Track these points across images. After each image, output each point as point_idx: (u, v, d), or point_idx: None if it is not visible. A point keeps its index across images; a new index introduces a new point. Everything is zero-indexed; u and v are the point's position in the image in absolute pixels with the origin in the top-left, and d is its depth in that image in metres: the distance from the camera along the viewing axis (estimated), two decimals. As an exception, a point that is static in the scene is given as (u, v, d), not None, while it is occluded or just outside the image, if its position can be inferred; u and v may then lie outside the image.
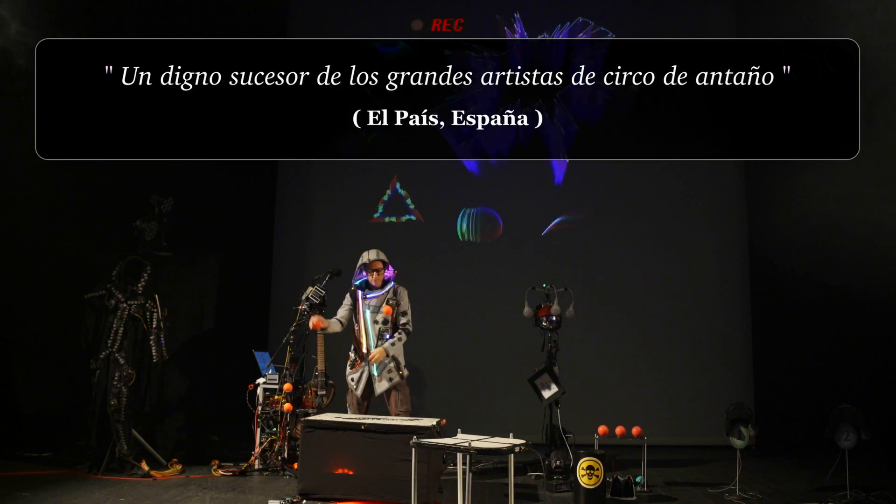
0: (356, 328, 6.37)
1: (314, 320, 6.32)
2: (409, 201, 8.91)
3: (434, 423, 5.42)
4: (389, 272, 6.40)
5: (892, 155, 7.18)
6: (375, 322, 6.31)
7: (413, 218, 8.90)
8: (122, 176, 7.74)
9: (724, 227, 8.70)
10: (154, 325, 6.57)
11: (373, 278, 6.36)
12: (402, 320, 6.32)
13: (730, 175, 8.74)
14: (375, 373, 6.22)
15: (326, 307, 6.56)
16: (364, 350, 6.28)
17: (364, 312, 6.35)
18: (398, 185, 8.93)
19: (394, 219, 8.89)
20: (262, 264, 8.74)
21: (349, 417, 5.77)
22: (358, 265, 6.43)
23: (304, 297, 6.53)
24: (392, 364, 6.24)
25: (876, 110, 7.21)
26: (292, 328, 6.64)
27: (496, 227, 8.85)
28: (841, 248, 7.35)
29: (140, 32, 7.90)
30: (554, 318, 6.46)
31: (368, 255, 6.37)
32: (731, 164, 8.72)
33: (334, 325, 6.45)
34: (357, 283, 6.44)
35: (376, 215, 8.91)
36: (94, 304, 6.66)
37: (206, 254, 7.79)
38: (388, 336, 6.26)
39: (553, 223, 8.83)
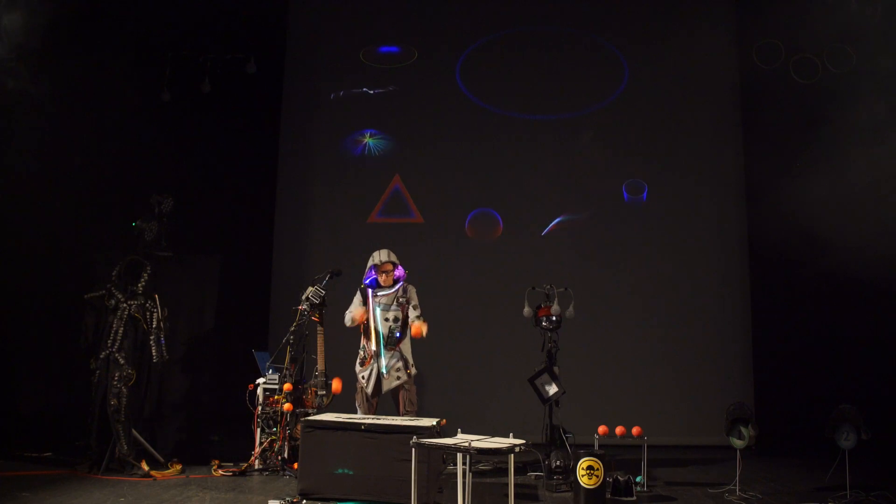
0: (365, 326, 6.38)
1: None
2: (409, 201, 8.91)
3: (434, 423, 5.43)
4: (399, 272, 6.43)
5: (891, 154, 7.19)
6: (386, 320, 6.32)
7: (413, 218, 8.89)
8: (122, 176, 7.75)
9: (724, 226, 8.70)
10: (154, 325, 6.56)
11: (382, 279, 6.37)
12: (416, 312, 6.34)
13: (730, 176, 8.74)
14: (385, 370, 6.24)
15: (327, 307, 6.56)
16: (373, 348, 6.28)
17: (374, 310, 6.35)
18: (398, 185, 8.93)
19: (393, 219, 8.89)
20: (262, 264, 8.74)
21: (350, 417, 5.76)
22: (368, 265, 6.43)
23: (304, 297, 6.53)
24: (401, 363, 6.27)
25: (876, 109, 7.23)
26: (292, 328, 6.64)
27: (496, 227, 8.85)
28: (841, 248, 7.34)
29: (141, 43, 7.95)
30: (554, 318, 6.45)
31: (380, 256, 6.37)
32: (731, 164, 8.73)
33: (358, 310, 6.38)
34: (367, 282, 6.44)
35: (376, 215, 8.91)
36: (94, 304, 6.66)
37: (206, 254, 7.79)
38: (398, 334, 6.29)
39: (553, 223, 8.83)
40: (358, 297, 6.47)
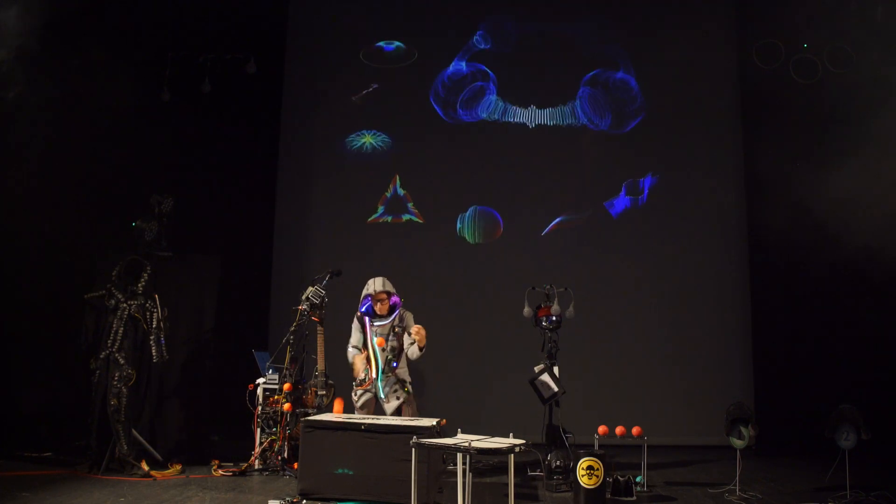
0: (364, 353, 6.41)
1: (338, 405, 6.28)
2: (409, 202, 8.91)
3: (434, 423, 5.43)
4: (395, 300, 6.41)
5: (892, 154, 7.19)
6: (383, 350, 6.32)
7: (413, 218, 8.89)
8: (122, 176, 7.75)
9: (724, 227, 8.70)
10: (154, 325, 6.56)
11: (378, 307, 6.38)
12: (410, 340, 6.32)
13: (730, 177, 8.74)
14: (382, 395, 6.25)
15: (326, 307, 6.56)
16: (373, 375, 6.28)
17: (371, 339, 6.36)
18: (398, 185, 8.93)
19: (393, 219, 8.89)
20: (262, 264, 8.74)
21: (349, 417, 5.77)
22: (363, 293, 6.43)
23: (304, 297, 6.54)
24: (398, 384, 6.29)
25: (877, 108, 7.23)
26: (292, 328, 6.64)
27: (496, 227, 8.85)
28: (841, 249, 7.34)
29: (141, 43, 7.95)
30: (554, 318, 6.45)
31: (374, 286, 6.36)
32: (732, 164, 8.73)
33: (358, 357, 6.43)
34: (363, 310, 6.45)
35: (376, 215, 8.90)
36: (94, 304, 6.66)
37: (206, 254, 7.78)
38: (395, 364, 6.30)
39: (553, 223, 8.83)
40: (356, 325, 6.49)
